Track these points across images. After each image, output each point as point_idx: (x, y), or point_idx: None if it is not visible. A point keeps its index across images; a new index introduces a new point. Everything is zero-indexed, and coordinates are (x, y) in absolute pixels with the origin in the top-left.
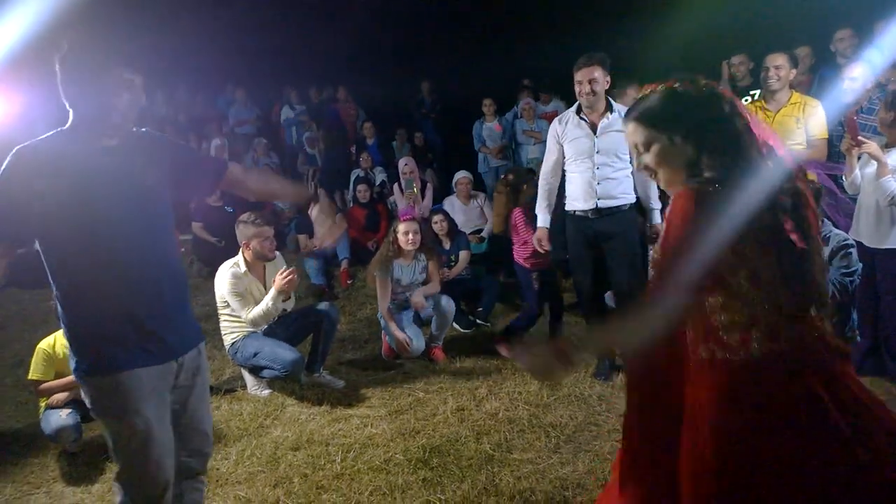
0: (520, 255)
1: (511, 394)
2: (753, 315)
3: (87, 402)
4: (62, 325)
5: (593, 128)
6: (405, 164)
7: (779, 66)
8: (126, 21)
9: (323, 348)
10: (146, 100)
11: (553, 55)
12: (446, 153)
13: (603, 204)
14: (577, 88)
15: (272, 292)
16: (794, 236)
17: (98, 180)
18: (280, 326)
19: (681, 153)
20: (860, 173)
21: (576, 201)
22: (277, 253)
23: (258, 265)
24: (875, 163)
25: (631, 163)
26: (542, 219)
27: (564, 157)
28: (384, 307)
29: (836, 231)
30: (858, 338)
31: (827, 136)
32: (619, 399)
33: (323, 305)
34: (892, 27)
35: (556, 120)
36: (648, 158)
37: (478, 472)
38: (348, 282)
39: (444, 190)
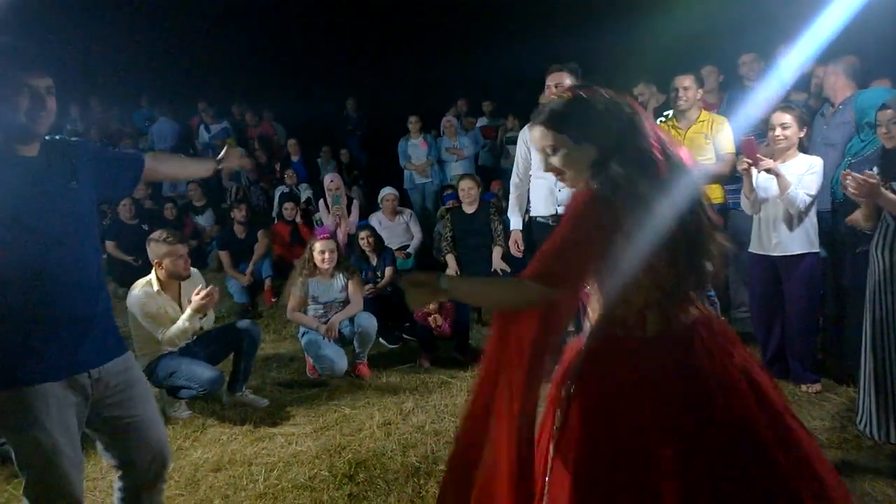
0: None
1: (437, 406)
2: (649, 300)
3: None
4: None
5: None
6: (331, 180)
7: (686, 87)
8: (32, 28)
9: (245, 367)
10: (58, 114)
11: (484, 71)
12: (372, 170)
13: (564, 211)
14: (545, 91)
15: (188, 311)
16: (689, 230)
17: (20, 192)
18: (199, 345)
19: (584, 155)
20: (760, 191)
21: (538, 208)
22: (194, 270)
23: (173, 284)
24: (774, 179)
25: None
26: (515, 221)
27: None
28: (291, 311)
29: None
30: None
31: (734, 151)
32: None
33: (243, 323)
34: (791, 51)
35: (527, 126)
36: (555, 160)
37: (404, 484)
38: (273, 300)
39: (370, 207)
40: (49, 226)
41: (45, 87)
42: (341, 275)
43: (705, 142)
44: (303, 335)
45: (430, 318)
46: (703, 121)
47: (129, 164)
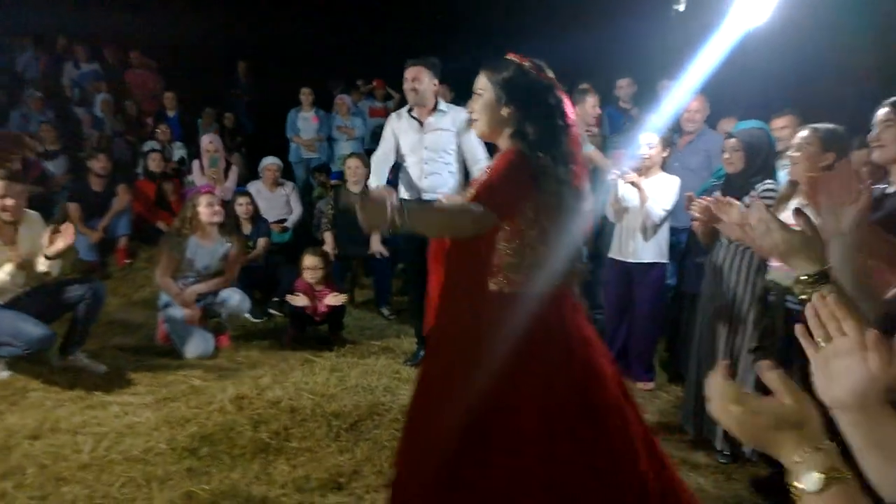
0: None
1: (297, 384)
2: (535, 261)
3: None
4: None
5: (421, 125)
6: (210, 140)
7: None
8: None
9: (82, 328)
10: None
11: (386, 50)
12: (256, 139)
13: (427, 197)
14: (404, 86)
15: (46, 255)
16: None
17: None
18: (29, 299)
19: (499, 112)
20: (623, 202)
21: (402, 192)
22: (34, 213)
23: (5, 227)
24: (636, 191)
25: (459, 161)
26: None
27: (399, 150)
28: (161, 274)
29: None
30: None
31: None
32: (405, 390)
33: (86, 280)
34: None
35: (394, 114)
36: (477, 104)
37: (251, 460)
38: (126, 261)
39: (249, 176)
40: None
41: None
42: (224, 239)
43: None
44: (164, 306)
45: (306, 297)
46: None
47: None
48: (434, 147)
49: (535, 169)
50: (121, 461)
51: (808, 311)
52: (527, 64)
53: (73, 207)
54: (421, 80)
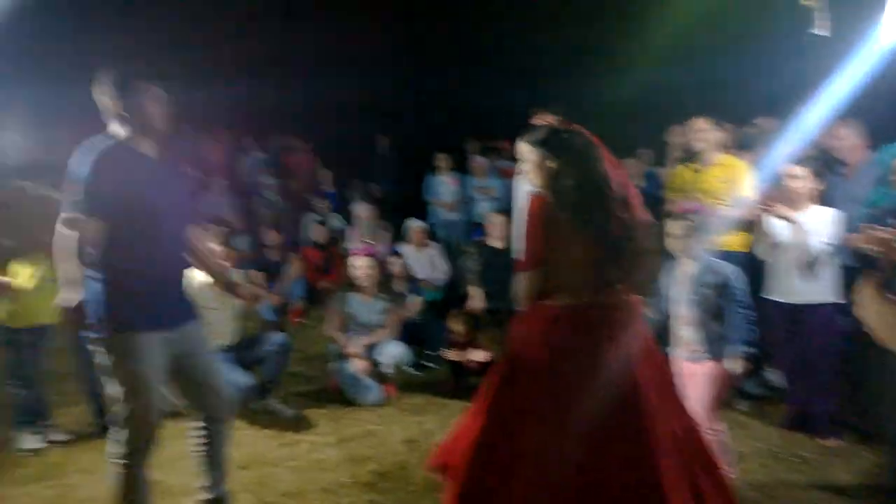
0: None
1: None
2: (573, 282)
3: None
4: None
5: None
6: (363, 209)
7: (700, 129)
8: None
9: (274, 376)
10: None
11: (507, 105)
12: (400, 204)
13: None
14: None
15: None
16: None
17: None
18: (233, 350)
19: (546, 168)
20: (776, 238)
21: None
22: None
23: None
24: (789, 226)
25: None
26: None
27: None
28: (330, 328)
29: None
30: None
31: (754, 196)
32: None
33: (277, 334)
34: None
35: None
36: (527, 167)
37: (424, 497)
38: (299, 320)
39: (397, 240)
40: (163, 207)
41: (165, 97)
42: (383, 297)
43: (722, 185)
44: (336, 358)
45: (463, 353)
46: (722, 165)
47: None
48: None
49: (548, 207)
50: (314, 490)
51: None
52: (556, 124)
53: (257, 276)
54: None
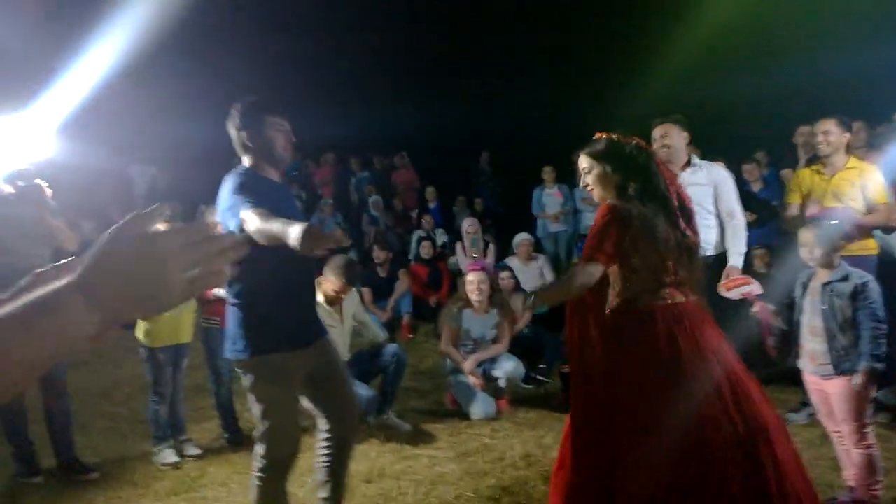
0: None
1: None
2: (643, 283)
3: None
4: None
5: None
6: (470, 224)
7: (826, 131)
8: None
9: (392, 389)
10: None
11: (617, 115)
12: (505, 218)
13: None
14: (653, 145)
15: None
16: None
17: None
18: (351, 364)
19: (610, 180)
20: None
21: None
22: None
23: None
24: None
25: (717, 216)
26: None
27: None
28: (445, 344)
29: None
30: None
31: (887, 201)
32: None
33: (393, 347)
34: None
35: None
36: (589, 179)
37: None
38: (409, 335)
39: (501, 255)
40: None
41: (289, 128)
42: (495, 311)
43: (852, 189)
44: (451, 372)
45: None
46: (851, 168)
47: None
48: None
49: (624, 213)
50: None
51: None
52: (614, 136)
53: (366, 292)
54: (671, 135)
